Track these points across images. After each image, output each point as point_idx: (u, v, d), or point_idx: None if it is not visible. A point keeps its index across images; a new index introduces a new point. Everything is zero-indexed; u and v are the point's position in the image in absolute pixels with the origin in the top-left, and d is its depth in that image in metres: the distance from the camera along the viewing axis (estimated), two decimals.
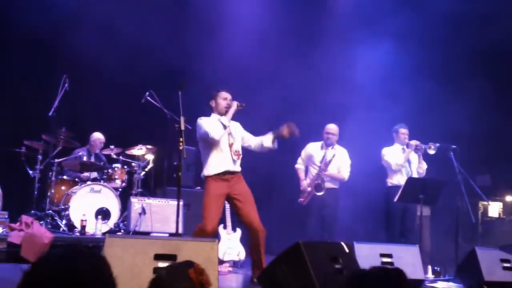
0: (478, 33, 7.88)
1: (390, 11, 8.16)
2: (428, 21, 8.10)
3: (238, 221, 5.55)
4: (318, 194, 6.78)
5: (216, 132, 5.14)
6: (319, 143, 7.07)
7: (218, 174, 5.19)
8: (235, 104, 5.33)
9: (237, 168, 5.32)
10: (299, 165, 7.15)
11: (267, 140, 5.42)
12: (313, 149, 7.07)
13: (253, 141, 5.50)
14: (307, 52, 8.66)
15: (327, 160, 6.86)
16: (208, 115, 5.38)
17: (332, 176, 6.92)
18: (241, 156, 5.38)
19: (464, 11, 7.68)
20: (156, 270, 2.15)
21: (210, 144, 5.22)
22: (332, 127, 7.03)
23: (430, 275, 6.16)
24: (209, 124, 5.18)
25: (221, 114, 5.32)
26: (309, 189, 6.89)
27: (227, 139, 5.29)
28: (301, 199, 6.95)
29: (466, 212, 6.54)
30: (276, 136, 5.41)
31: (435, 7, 8.07)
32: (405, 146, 7.02)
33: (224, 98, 5.36)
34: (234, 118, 5.42)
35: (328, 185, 6.90)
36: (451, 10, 7.77)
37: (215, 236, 5.18)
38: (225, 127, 5.20)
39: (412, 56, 7.89)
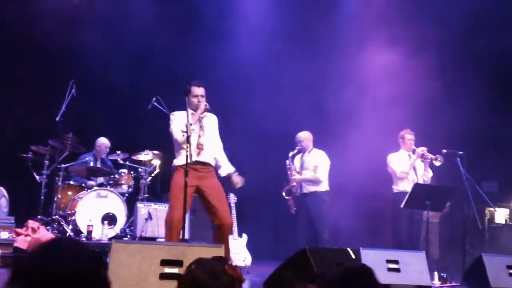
0: (488, 37, 7.87)
1: (396, 15, 8.18)
2: (436, 25, 8.10)
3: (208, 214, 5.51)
4: (287, 197, 7.09)
5: (180, 138, 5.18)
6: (299, 155, 7.26)
7: (184, 165, 5.15)
8: (202, 106, 5.30)
9: (203, 159, 5.32)
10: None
11: (222, 171, 5.50)
12: (295, 159, 7.25)
13: (216, 155, 5.50)
14: (312, 55, 8.66)
15: (295, 165, 7.16)
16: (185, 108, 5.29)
17: (303, 180, 7.08)
18: (203, 150, 5.35)
19: (472, 14, 7.68)
20: (187, 270, 2.02)
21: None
22: (299, 135, 7.20)
23: (436, 282, 6.12)
24: (176, 126, 5.26)
25: (194, 110, 5.32)
26: (283, 194, 7.13)
27: (197, 130, 5.32)
28: (290, 209, 7.15)
29: (473, 218, 6.51)
30: (228, 177, 5.51)
31: (443, 10, 8.08)
32: (411, 152, 6.99)
33: (195, 95, 5.33)
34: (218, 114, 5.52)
35: (310, 188, 7.06)
36: (459, 13, 7.76)
37: (181, 226, 5.08)
38: (184, 133, 5.09)
39: (419, 59, 7.88)
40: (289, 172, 7.14)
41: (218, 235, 5.32)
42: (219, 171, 5.50)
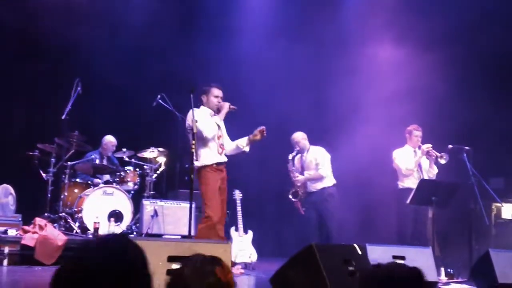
0: (496, 32, 7.83)
1: (402, 9, 8.15)
2: (444, 19, 8.07)
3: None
4: (294, 200, 7.04)
5: (210, 132, 5.39)
6: (298, 155, 7.25)
7: (213, 164, 5.41)
8: (227, 106, 5.54)
9: (224, 159, 5.57)
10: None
11: (242, 143, 5.70)
12: (295, 160, 7.23)
13: (228, 145, 5.71)
14: (315, 51, 8.65)
15: (297, 167, 7.16)
16: (197, 106, 5.51)
17: (307, 179, 7.06)
18: (224, 149, 5.60)
19: (479, 8, 7.64)
20: (175, 269, 1.99)
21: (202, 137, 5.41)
22: (294, 137, 7.18)
23: (443, 278, 6.11)
24: (204, 123, 5.38)
25: (213, 110, 5.56)
26: (290, 197, 7.10)
27: (217, 134, 5.53)
28: (299, 210, 7.11)
29: (480, 214, 6.49)
30: (250, 140, 5.67)
31: (449, 4, 8.05)
32: (416, 148, 6.96)
33: (215, 95, 5.56)
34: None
35: (317, 186, 7.03)
36: (468, 6, 7.73)
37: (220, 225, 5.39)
38: (219, 127, 5.49)
39: (426, 55, 7.85)
40: (291, 175, 7.12)
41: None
42: (239, 146, 5.70)
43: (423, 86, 7.86)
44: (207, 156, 5.43)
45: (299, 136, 7.17)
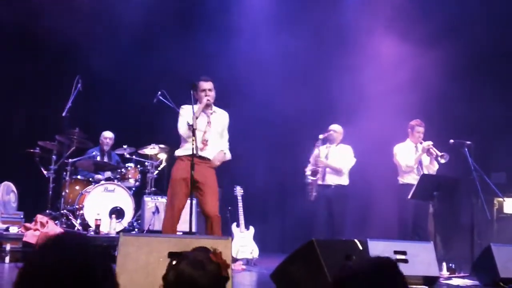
0: (499, 27, 7.81)
1: (404, 6, 8.13)
2: (448, 13, 8.06)
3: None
4: (312, 178, 6.89)
5: (184, 132, 5.30)
6: (325, 145, 7.16)
7: (185, 156, 5.27)
8: (204, 100, 5.34)
9: (205, 154, 5.35)
10: (307, 169, 7.16)
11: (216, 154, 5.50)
12: (321, 149, 7.12)
13: (219, 148, 5.52)
14: (317, 46, 8.63)
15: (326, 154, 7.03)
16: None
17: (328, 165, 6.98)
18: (207, 145, 5.39)
19: (481, 8, 7.63)
20: (171, 266, 2.00)
21: None
22: (333, 126, 7.13)
23: (445, 272, 6.11)
24: (182, 119, 5.33)
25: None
26: (308, 173, 6.93)
27: (204, 126, 5.38)
28: (310, 194, 6.95)
29: (481, 208, 6.48)
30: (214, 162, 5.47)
31: (452, 3, 8.04)
32: (418, 144, 6.94)
33: (202, 89, 5.40)
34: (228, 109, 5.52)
35: (334, 180, 6.95)
36: (469, 7, 7.71)
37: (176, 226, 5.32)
38: (190, 127, 5.17)
39: (428, 49, 7.83)
40: (315, 153, 6.98)
41: (208, 226, 5.32)
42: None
43: (425, 80, 7.83)
44: (181, 149, 5.43)
45: (338, 129, 7.13)
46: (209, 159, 5.38)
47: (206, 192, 5.31)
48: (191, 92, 5.26)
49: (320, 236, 6.37)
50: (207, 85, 5.42)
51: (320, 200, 6.91)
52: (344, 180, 7.05)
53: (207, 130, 5.42)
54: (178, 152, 5.48)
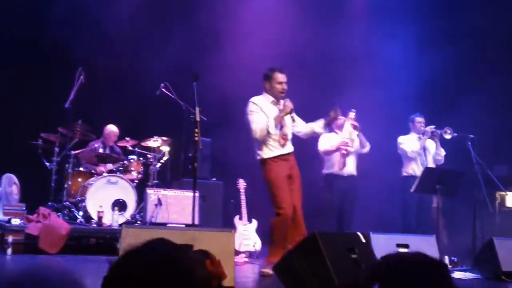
0: (503, 23, 7.78)
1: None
2: (451, 10, 8.04)
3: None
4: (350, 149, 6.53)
5: (260, 135, 5.08)
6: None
7: (276, 157, 5.13)
8: (288, 108, 5.10)
9: (288, 150, 5.24)
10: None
11: (318, 126, 5.38)
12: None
13: (304, 128, 5.43)
14: (318, 41, 8.60)
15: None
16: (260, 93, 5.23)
17: (361, 136, 6.68)
18: (288, 139, 5.25)
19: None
20: None
21: None
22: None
23: None
24: (256, 123, 5.07)
25: (275, 98, 5.19)
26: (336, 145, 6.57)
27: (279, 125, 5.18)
28: (337, 167, 6.65)
29: (484, 202, 6.47)
30: (327, 122, 5.37)
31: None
32: (421, 135, 6.97)
33: (279, 82, 5.15)
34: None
35: (350, 170, 6.70)
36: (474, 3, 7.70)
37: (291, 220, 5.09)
38: (269, 133, 5.06)
39: (433, 45, 7.81)
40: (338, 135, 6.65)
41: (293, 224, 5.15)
42: (316, 131, 5.40)
43: (427, 76, 7.82)
44: (266, 150, 5.15)
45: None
46: (293, 153, 5.28)
47: (298, 184, 5.21)
48: (194, 84, 5.17)
49: (330, 229, 6.33)
50: (283, 77, 5.17)
51: (335, 193, 6.70)
52: (354, 169, 6.80)
53: (284, 125, 5.20)
54: (266, 154, 5.15)
